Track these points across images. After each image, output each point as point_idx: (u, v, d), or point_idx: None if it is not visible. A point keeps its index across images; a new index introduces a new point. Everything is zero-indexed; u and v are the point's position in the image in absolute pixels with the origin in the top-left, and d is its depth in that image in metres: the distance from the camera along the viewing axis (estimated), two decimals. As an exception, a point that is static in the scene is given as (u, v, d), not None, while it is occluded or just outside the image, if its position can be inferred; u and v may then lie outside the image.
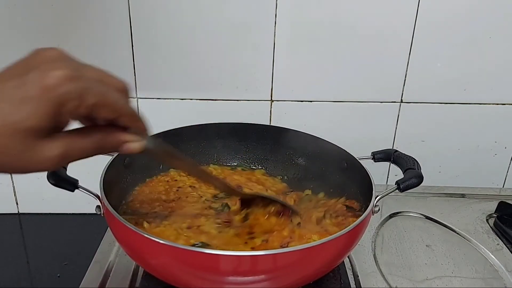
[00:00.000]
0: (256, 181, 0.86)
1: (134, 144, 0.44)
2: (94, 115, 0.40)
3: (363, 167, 0.75)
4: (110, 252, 0.77)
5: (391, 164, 0.80)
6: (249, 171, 0.90)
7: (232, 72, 0.91)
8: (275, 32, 0.88)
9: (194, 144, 0.88)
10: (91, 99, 0.38)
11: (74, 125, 0.42)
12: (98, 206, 0.64)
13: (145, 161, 0.80)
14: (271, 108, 0.95)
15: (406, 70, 0.93)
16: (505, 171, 1.04)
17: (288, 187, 0.85)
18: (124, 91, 0.43)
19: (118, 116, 0.41)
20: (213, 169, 0.88)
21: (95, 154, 0.42)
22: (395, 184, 0.68)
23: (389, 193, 0.68)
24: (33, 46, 0.90)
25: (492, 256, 0.79)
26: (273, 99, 0.94)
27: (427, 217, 0.89)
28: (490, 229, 0.87)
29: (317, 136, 0.85)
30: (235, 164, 0.91)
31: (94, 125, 0.42)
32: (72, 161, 0.41)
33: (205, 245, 0.64)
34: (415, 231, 0.85)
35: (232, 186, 0.70)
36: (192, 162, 0.58)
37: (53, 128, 0.38)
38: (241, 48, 0.90)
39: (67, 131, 0.41)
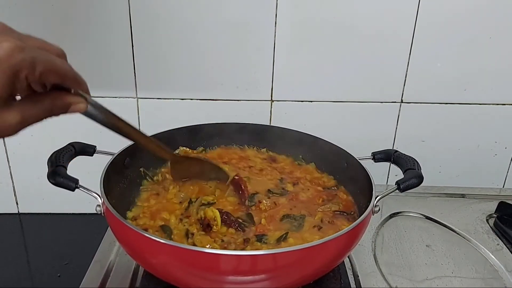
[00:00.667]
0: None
1: (80, 105, 0.48)
2: (42, 81, 0.43)
3: (363, 167, 0.75)
4: (110, 251, 0.77)
5: (391, 164, 0.80)
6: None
7: (232, 72, 0.91)
8: (275, 32, 0.88)
9: (193, 143, 0.89)
10: (40, 67, 0.41)
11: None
12: (98, 206, 0.64)
13: (145, 161, 0.81)
14: (271, 108, 0.95)
15: (406, 70, 0.93)
16: (505, 171, 1.04)
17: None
18: (63, 55, 0.46)
19: (64, 80, 0.45)
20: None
21: (48, 117, 0.45)
22: (395, 184, 0.68)
23: (389, 193, 0.68)
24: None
25: (492, 256, 0.79)
26: (273, 99, 0.94)
27: (427, 217, 0.89)
28: (490, 229, 0.87)
29: (317, 136, 0.85)
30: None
31: (43, 91, 0.45)
32: (28, 126, 0.44)
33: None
34: (415, 231, 0.85)
35: (167, 149, 0.71)
36: (132, 126, 0.58)
37: (9, 98, 0.41)
38: (241, 48, 0.90)
39: (20, 100, 0.43)
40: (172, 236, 0.67)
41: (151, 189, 0.79)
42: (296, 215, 0.72)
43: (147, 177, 0.81)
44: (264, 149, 0.92)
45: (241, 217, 0.71)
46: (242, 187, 0.76)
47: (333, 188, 0.81)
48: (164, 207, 0.74)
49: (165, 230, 0.68)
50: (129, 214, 0.73)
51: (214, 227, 0.68)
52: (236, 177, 0.78)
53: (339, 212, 0.74)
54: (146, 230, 0.68)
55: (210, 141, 0.90)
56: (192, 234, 0.67)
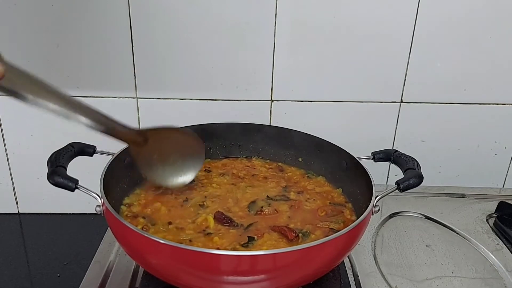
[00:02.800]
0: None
1: None
2: None
3: (363, 167, 0.75)
4: (110, 252, 0.77)
5: (391, 164, 0.80)
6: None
7: (232, 72, 0.91)
8: (275, 32, 0.88)
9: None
10: None
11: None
12: (98, 206, 0.64)
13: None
14: (271, 108, 0.95)
15: (406, 70, 0.93)
16: (505, 171, 1.04)
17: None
18: None
19: None
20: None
21: None
22: (395, 184, 0.68)
23: (389, 193, 0.68)
24: (33, 46, 0.90)
25: (492, 256, 0.79)
26: (273, 99, 0.94)
27: (427, 217, 0.89)
28: (490, 229, 0.87)
29: (317, 136, 0.85)
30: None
31: None
32: None
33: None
34: (415, 231, 0.85)
35: (120, 125, 0.63)
36: (55, 88, 0.51)
37: None
38: (241, 48, 0.90)
39: None
40: (155, 226, 0.69)
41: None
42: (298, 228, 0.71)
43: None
44: (269, 160, 0.91)
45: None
46: (226, 218, 0.72)
47: (341, 205, 0.79)
48: (158, 198, 0.76)
49: (149, 220, 0.71)
50: (126, 200, 0.76)
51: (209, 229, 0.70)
52: (217, 214, 0.73)
53: (335, 231, 0.70)
54: (135, 217, 0.71)
55: (210, 141, 0.90)
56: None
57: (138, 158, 0.70)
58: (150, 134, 0.69)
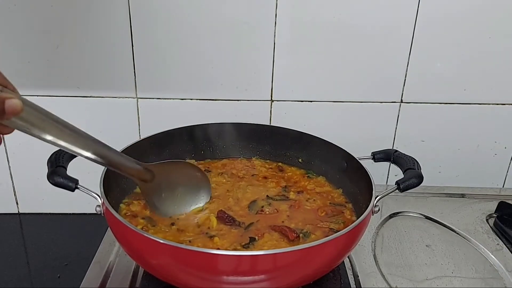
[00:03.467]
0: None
1: (14, 100, 0.45)
2: None
3: (363, 167, 0.75)
4: (110, 252, 0.77)
5: (391, 164, 0.80)
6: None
7: (232, 72, 0.91)
8: (275, 32, 0.88)
9: (193, 143, 0.89)
10: None
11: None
12: (98, 206, 0.64)
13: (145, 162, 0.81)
14: (271, 108, 0.95)
15: (406, 70, 0.93)
16: (505, 171, 1.04)
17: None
18: None
19: None
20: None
21: None
22: (395, 184, 0.68)
23: (389, 193, 0.68)
24: (33, 46, 0.90)
25: (492, 256, 0.79)
26: (273, 99, 0.94)
27: (427, 217, 0.89)
28: (490, 229, 0.87)
29: (317, 136, 0.85)
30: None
31: None
32: None
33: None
34: (415, 231, 0.85)
35: (131, 161, 0.64)
36: (66, 123, 0.53)
37: None
38: (241, 48, 0.90)
39: None
40: (155, 227, 0.69)
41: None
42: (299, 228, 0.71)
43: None
44: (269, 160, 0.91)
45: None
46: (228, 217, 0.72)
47: (341, 205, 0.79)
48: None
49: (149, 221, 0.70)
50: (126, 200, 0.76)
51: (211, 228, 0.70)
52: (219, 213, 0.73)
53: (335, 231, 0.70)
54: (135, 217, 0.71)
55: (209, 142, 0.90)
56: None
57: (147, 194, 0.70)
58: (157, 169, 0.69)
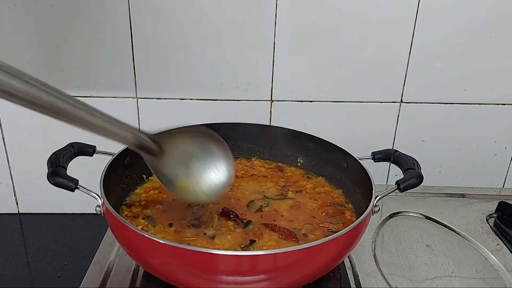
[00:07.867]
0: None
1: None
2: None
3: (363, 167, 0.75)
4: (110, 252, 0.77)
5: (391, 164, 0.80)
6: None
7: (232, 72, 0.91)
8: (275, 32, 0.88)
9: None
10: None
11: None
12: (98, 206, 0.64)
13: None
14: (271, 108, 0.95)
15: (406, 70, 0.93)
16: (505, 171, 1.04)
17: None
18: None
19: None
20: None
21: None
22: (395, 184, 0.68)
23: (389, 193, 0.68)
24: (34, 46, 0.90)
25: (492, 256, 0.79)
26: (273, 99, 0.94)
27: (427, 217, 0.89)
28: (490, 229, 0.87)
29: (317, 136, 0.85)
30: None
31: None
32: None
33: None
34: (415, 231, 0.85)
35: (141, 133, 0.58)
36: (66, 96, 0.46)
37: None
38: (241, 48, 0.90)
39: None
40: (155, 227, 0.69)
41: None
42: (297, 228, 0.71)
43: (149, 178, 0.82)
44: (269, 160, 0.91)
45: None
46: (232, 213, 0.72)
47: (341, 205, 0.79)
48: (158, 198, 0.76)
49: (150, 220, 0.71)
50: (126, 200, 0.76)
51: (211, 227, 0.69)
52: (225, 208, 0.73)
53: (335, 232, 0.69)
54: (136, 217, 0.71)
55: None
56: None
57: (157, 171, 0.63)
58: (164, 140, 0.62)
